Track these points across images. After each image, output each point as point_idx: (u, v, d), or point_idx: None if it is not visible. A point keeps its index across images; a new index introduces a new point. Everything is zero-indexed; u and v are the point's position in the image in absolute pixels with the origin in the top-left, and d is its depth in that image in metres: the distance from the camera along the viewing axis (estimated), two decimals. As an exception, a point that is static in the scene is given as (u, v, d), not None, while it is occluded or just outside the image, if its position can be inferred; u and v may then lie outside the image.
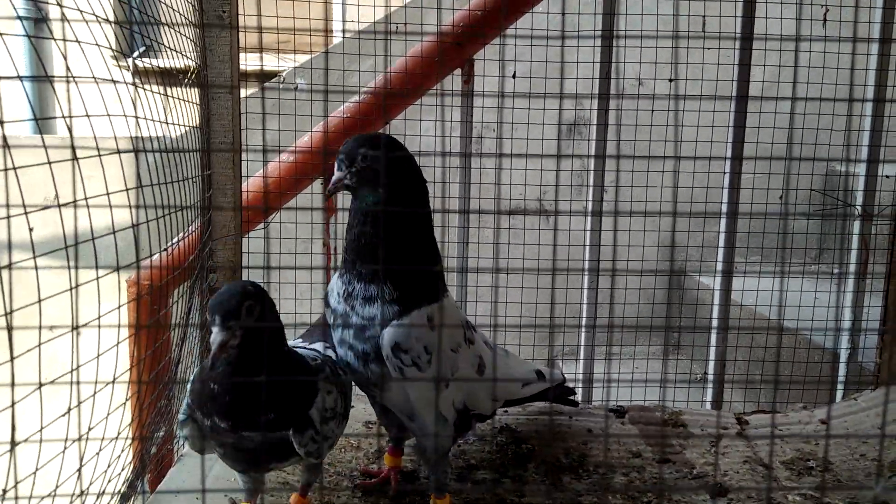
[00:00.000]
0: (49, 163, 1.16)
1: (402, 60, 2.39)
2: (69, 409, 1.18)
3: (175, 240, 1.90)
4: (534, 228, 3.54)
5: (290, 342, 1.53)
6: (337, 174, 1.41)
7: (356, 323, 1.43)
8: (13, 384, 1.00)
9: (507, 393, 1.74)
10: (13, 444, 0.99)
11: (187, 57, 1.88)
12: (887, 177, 2.40)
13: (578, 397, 2.11)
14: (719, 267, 2.55)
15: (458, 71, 2.50)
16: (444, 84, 2.54)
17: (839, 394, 2.46)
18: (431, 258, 1.50)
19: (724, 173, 2.41)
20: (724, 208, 2.48)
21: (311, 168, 2.33)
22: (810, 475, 1.82)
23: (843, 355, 2.46)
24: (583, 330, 2.63)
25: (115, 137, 1.37)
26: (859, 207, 2.36)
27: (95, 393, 1.33)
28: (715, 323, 2.58)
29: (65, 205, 1.10)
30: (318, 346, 1.57)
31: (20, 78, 1.15)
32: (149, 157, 1.55)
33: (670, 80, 2.37)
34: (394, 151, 1.44)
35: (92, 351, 1.33)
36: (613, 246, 2.60)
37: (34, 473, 1.12)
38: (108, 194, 1.32)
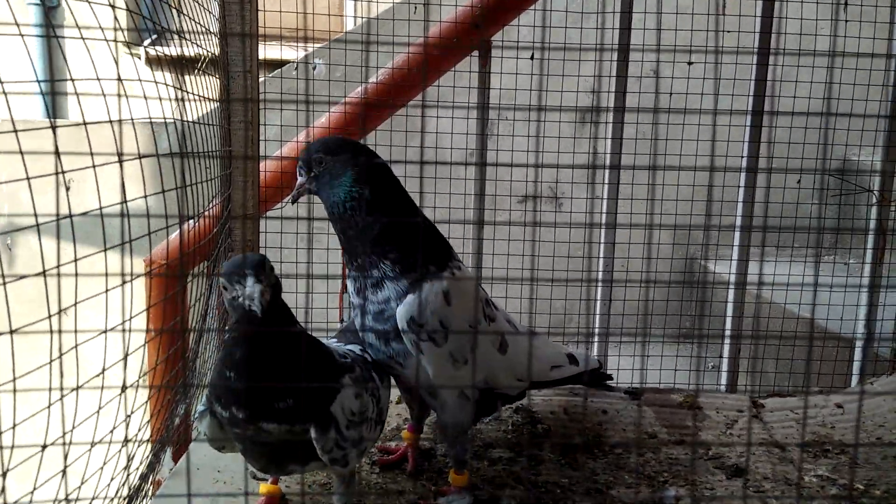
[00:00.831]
0: (120, 157, 1.17)
1: (420, 42, 2.39)
2: (100, 410, 1.19)
3: (192, 220, 1.91)
4: (550, 211, 3.54)
5: (325, 341, 1.50)
6: (299, 180, 1.46)
7: (373, 311, 1.45)
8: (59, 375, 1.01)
9: (532, 374, 1.67)
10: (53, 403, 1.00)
11: (197, 45, 1.89)
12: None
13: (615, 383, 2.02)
14: (735, 254, 2.55)
15: (475, 53, 2.50)
16: (462, 66, 2.54)
17: (854, 379, 2.45)
18: (436, 243, 1.52)
19: (742, 156, 2.40)
20: (741, 194, 2.48)
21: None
22: (826, 458, 1.82)
23: (859, 342, 2.46)
24: (597, 315, 2.64)
25: (133, 121, 1.37)
26: (877, 193, 2.35)
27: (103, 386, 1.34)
28: (730, 310, 2.58)
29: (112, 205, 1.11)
30: (355, 348, 1.52)
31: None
32: (169, 139, 1.56)
33: (689, 64, 2.36)
34: (345, 149, 1.46)
35: (112, 336, 1.32)
36: (627, 243, 2.60)
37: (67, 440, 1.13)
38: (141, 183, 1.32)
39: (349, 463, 1.31)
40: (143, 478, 1.46)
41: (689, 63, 2.29)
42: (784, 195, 2.48)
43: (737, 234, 2.41)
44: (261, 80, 2.71)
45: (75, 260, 1.12)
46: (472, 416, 1.55)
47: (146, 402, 1.50)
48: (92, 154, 1.14)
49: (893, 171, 2.40)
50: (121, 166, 1.14)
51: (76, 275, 1.09)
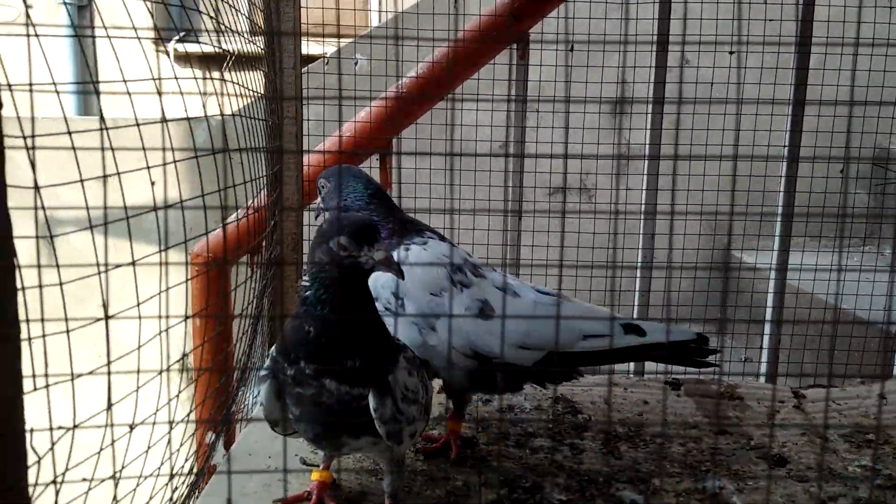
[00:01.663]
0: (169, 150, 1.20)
1: (460, 35, 2.41)
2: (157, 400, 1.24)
3: (237, 213, 1.96)
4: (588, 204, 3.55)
5: None
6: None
7: None
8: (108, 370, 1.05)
9: (543, 341, 1.56)
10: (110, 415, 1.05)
11: (226, 42, 1.92)
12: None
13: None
14: (776, 245, 2.53)
15: (514, 45, 2.51)
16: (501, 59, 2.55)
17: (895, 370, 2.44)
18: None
19: (784, 146, 2.39)
20: (783, 184, 2.46)
21: (369, 141, 2.36)
22: (869, 447, 1.82)
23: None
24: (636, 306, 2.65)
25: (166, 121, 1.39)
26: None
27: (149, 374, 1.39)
28: (770, 302, 2.57)
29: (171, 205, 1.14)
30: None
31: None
32: (211, 133, 1.60)
33: (730, 53, 2.35)
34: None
35: (155, 327, 1.34)
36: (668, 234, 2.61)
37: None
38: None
39: (403, 441, 1.34)
40: (194, 472, 1.51)
41: (731, 52, 2.28)
42: (826, 185, 2.46)
43: (777, 224, 2.40)
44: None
45: (131, 262, 1.15)
46: (468, 381, 1.62)
47: (190, 388, 1.55)
48: (144, 149, 1.17)
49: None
50: (174, 164, 1.17)
51: (132, 263, 1.12)
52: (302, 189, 2.19)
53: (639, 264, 2.58)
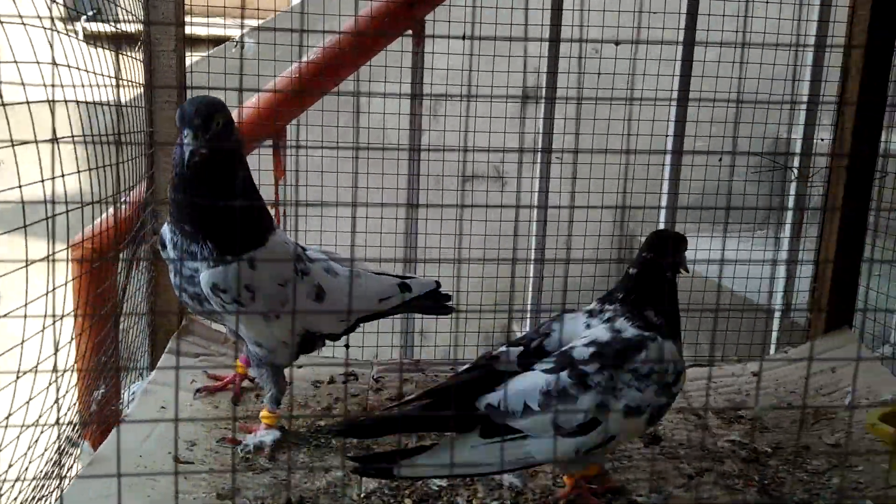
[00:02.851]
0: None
1: (350, 21, 2.38)
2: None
3: (115, 205, 1.88)
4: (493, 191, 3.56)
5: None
6: (193, 144, 1.42)
7: (186, 274, 1.57)
8: None
9: (356, 310, 1.80)
10: None
11: (132, 20, 1.85)
12: (822, 140, 2.48)
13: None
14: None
15: (409, 32, 2.49)
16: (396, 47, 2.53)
17: (772, 349, 2.56)
18: (255, 215, 1.62)
19: (668, 136, 2.46)
20: (668, 172, 2.55)
21: (259, 129, 2.31)
22: (739, 423, 1.91)
23: (777, 312, 2.56)
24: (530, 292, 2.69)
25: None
26: (796, 169, 2.44)
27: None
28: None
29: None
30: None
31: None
32: (93, 121, 1.54)
33: (616, 44, 2.40)
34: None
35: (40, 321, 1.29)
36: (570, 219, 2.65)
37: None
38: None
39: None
40: (55, 463, 1.45)
41: (617, 43, 2.33)
42: (718, 174, 2.55)
43: (662, 213, 2.48)
44: (191, 60, 2.66)
45: None
46: (292, 359, 1.72)
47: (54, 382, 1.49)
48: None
49: (811, 150, 2.50)
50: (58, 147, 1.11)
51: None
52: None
53: (532, 259, 2.61)
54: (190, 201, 1.50)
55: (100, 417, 1.68)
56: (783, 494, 1.57)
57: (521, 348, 1.51)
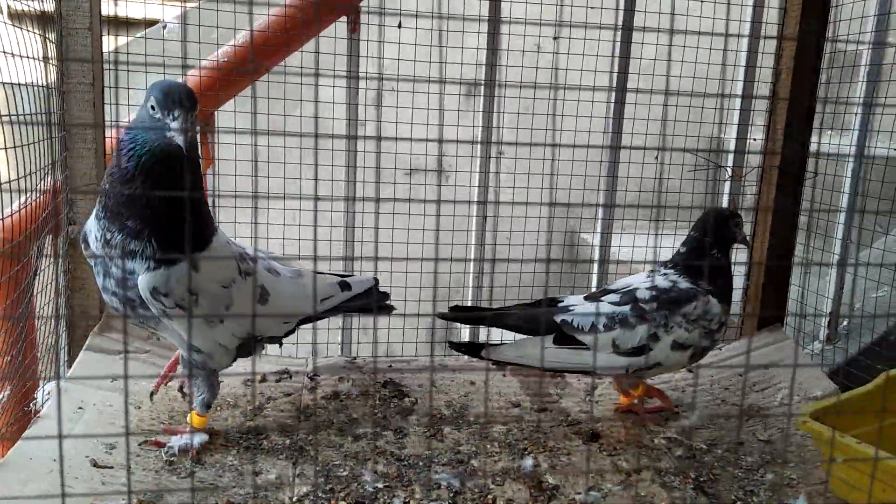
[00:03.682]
0: None
1: (281, 7, 2.29)
2: None
3: (28, 195, 1.76)
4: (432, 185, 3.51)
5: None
6: (183, 125, 1.33)
7: (116, 275, 1.43)
8: None
9: (299, 313, 1.77)
10: None
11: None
12: (755, 139, 2.53)
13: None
14: (599, 226, 2.63)
15: (343, 18, 2.42)
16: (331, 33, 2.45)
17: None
18: (203, 213, 1.52)
19: (606, 132, 2.46)
20: (605, 169, 2.55)
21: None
22: (676, 421, 1.92)
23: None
24: (469, 289, 2.66)
25: None
26: (730, 168, 2.48)
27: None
28: (595, 280, 2.67)
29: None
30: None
31: None
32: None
33: (554, 38, 2.38)
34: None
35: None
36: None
37: None
38: None
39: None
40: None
41: (555, 38, 2.31)
42: (656, 171, 2.56)
43: (600, 210, 2.49)
44: (124, 41, 2.52)
45: None
46: (229, 363, 1.64)
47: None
48: None
49: (745, 149, 2.54)
50: None
51: None
52: (104, 164, 2.00)
53: (472, 258, 2.58)
54: (141, 195, 1.37)
55: (6, 421, 1.56)
56: (719, 491, 1.58)
57: (584, 296, 1.89)
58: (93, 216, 1.47)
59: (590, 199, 2.78)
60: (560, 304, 1.85)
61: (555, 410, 1.94)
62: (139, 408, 1.75)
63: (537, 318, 1.81)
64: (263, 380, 2.00)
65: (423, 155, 3.27)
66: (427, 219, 2.51)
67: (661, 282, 1.82)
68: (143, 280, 1.40)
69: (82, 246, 1.50)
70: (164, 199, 1.38)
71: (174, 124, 1.31)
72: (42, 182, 1.74)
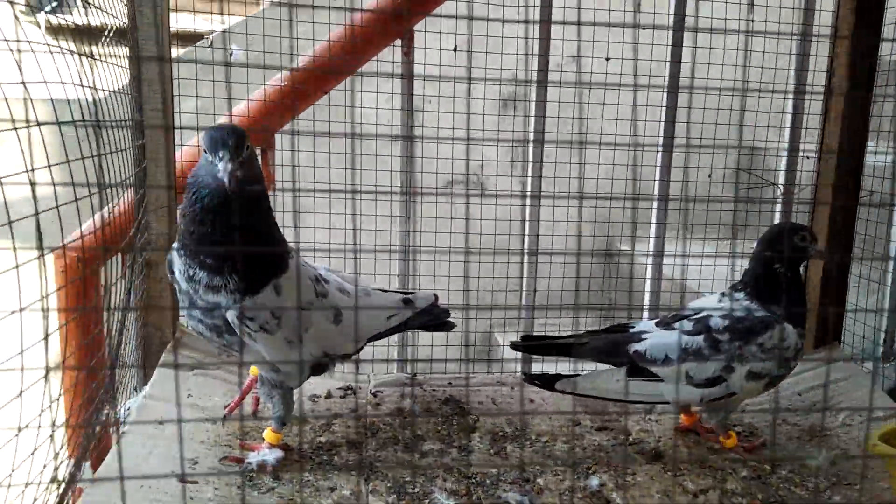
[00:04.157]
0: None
1: (341, 30, 2.35)
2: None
3: (103, 212, 1.82)
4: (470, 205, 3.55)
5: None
6: (230, 165, 1.37)
7: (203, 306, 1.49)
8: None
9: (369, 332, 1.83)
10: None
11: (107, 13, 1.79)
12: (808, 157, 2.53)
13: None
14: (651, 244, 2.64)
15: (397, 42, 2.48)
16: (384, 56, 2.51)
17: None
18: (277, 239, 1.58)
19: (657, 150, 2.48)
20: (656, 187, 2.56)
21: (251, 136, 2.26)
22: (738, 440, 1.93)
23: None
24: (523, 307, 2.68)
25: (30, 99, 1.24)
26: (781, 186, 2.48)
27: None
28: (647, 298, 2.68)
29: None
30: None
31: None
32: (72, 115, 1.46)
33: (606, 59, 2.41)
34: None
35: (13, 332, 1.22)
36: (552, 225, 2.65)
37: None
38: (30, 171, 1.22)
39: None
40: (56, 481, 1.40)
41: (607, 59, 2.35)
42: (698, 177, 2.56)
43: (654, 213, 2.49)
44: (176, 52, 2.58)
45: None
46: (303, 381, 1.70)
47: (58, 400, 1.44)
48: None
49: (795, 166, 2.55)
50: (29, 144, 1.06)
51: None
52: (175, 185, 2.07)
53: (525, 251, 2.59)
54: (213, 234, 1.43)
55: (93, 438, 1.62)
56: (787, 512, 1.59)
57: (656, 320, 1.89)
58: (175, 250, 1.53)
59: (638, 208, 2.79)
60: (632, 331, 1.86)
61: (615, 429, 1.97)
62: (215, 423, 1.81)
63: (610, 349, 1.83)
64: (329, 396, 2.05)
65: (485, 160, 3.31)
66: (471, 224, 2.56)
67: (735, 308, 1.80)
68: (230, 311, 1.47)
69: (168, 273, 1.56)
70: (241, 236, 1.44)
71: (220, 165, 1.36)
72: (119, 200, 1.81)
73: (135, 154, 1.88)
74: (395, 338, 2.53)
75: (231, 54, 2.27)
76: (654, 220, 2.63)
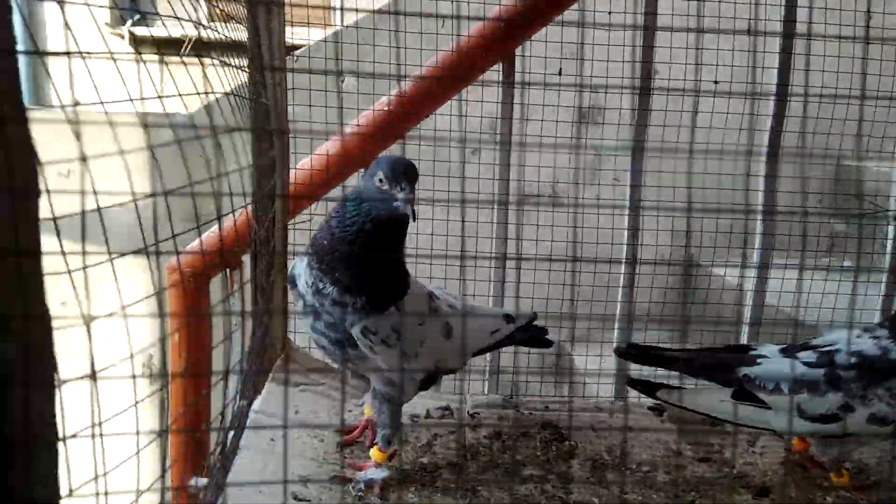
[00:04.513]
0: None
1: (444, 55, 2.38)
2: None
3: (215, 226, 1.89)
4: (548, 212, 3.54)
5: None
6: (412, 196, 1.48)
7: (327, 320, 1.58)
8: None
9: (475, 347, 1.91)
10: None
11: (190, 21, 1.84)
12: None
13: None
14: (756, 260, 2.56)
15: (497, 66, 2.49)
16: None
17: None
18: (403, 266, 1.67)
19: (754, 176, 2.42)
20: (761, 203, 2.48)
21: (357, 158, 2.33)
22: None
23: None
24: (617, 325, 2.65)
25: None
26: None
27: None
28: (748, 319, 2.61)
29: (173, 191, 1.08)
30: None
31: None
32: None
33: (696, 65, 2.36)
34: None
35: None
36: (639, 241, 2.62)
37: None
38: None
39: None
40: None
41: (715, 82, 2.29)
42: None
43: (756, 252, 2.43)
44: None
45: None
46: (414, 395, 1.78)
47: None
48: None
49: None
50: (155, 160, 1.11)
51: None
52: (287, 202, 2.15)
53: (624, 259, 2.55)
54: (358, 255, 1.53)
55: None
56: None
57: (782, 347, 1.81)
58: (303, 263, 1.62)
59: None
60: (752, 353, 1.81)
61: (718, 461, 1.93)
62: (322, 440, 1.88)
63: (718, 368, 1.79)
64: (428, 415, 2.09)
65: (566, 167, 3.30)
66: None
67: (869, 347, 1.69)
68: (356, 326, 1.56)
69: (289, 286, 1.65)
70: (378, 260, 1.53)
71: (401, 195, 1.46)
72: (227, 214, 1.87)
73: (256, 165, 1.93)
74: (484, 357, 2.56)
75: (343, 80, 2.35)
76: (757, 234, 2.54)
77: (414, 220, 1.48)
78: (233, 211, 1.82)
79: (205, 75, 1.49)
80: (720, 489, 1.79)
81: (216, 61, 1.61)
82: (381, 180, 1.50)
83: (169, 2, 1.49)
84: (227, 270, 2.06)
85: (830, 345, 1.74)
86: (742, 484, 1.82)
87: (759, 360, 1.77)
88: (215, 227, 1.96)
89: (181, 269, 2.15)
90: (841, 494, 1.78)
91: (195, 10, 1.79)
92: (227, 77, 1.74)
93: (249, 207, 1.96)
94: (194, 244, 2.07)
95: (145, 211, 1.15)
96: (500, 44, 2.42)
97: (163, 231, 1.18)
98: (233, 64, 1.77)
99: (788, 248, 2.58)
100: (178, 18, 1.43)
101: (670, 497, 1.75)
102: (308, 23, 2.48)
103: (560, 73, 2.31)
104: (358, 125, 2.38)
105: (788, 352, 1.78)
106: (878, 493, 1.79)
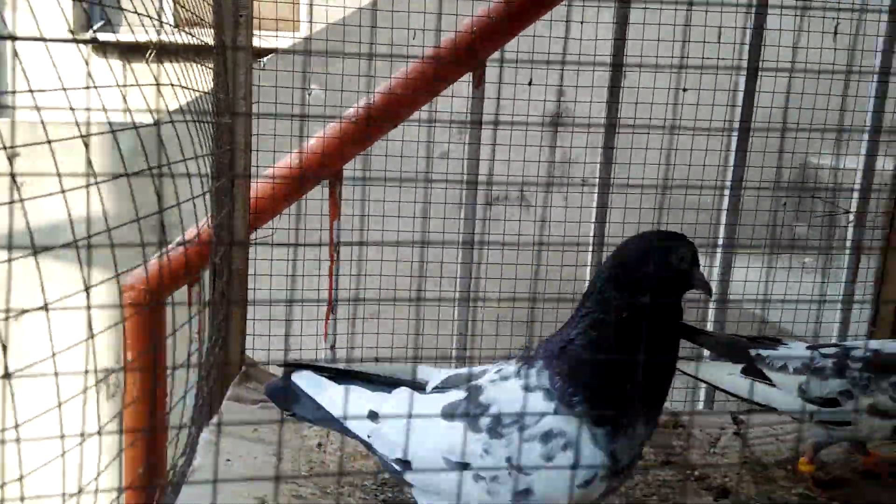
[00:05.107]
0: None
1: (414, 66, 2.37)
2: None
3: (175, 241, 1.87)
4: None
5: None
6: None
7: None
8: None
9: None
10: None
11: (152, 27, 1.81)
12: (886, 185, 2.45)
13: None
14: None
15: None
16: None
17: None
18: None
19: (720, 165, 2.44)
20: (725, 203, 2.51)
21: (319, 170, 2.32)
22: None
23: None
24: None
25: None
26: (853, 213, 2.41)
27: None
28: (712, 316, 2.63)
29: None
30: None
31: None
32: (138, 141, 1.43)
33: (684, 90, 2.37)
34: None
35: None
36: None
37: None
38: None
39: None
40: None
41: (684, 89, 2.31)
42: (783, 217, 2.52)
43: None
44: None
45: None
46: None
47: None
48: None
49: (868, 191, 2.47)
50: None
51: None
52: (248, 219, 2.13)
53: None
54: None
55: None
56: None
57: (809, 345, 1.84)
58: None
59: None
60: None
61: (680, 463, 1.94)
62: (281, 459, 1.86)
63: (733, 346, 1.84)
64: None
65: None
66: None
67: (890, 345, 1.75)
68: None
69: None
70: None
71: (699, 274, 1.28)
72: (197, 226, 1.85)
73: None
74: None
75: (310, 93, 2.33)
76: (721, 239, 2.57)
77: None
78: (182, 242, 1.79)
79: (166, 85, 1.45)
80: (681, 492, 1.79)
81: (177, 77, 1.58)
82: (681, 259, 1.26)
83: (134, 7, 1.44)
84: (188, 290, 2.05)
85: (851, 344, 1.79)
86: (703, 486, 1.82)
87: (777, 347, 1.81)
88: (175, 244, 1.94)
89: (137, 287, 2.13)
90: (800, 493, 1.79)
91: (159, 15, 1.77)
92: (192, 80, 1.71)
93: (207, 224, 1.95)
94: (151, 261, 2.05)
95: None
96: (470, 54, 2.42)
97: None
98: (193, 87, 1.75)
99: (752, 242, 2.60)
100: (143, 22, 1.38)
101: (633, 501, 1.75)
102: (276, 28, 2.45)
103: (530, 84, 2.32)
104: (324, 136, 2.37)
105: (814, 348, 1.81)
106: (838, 491, 1.80)
